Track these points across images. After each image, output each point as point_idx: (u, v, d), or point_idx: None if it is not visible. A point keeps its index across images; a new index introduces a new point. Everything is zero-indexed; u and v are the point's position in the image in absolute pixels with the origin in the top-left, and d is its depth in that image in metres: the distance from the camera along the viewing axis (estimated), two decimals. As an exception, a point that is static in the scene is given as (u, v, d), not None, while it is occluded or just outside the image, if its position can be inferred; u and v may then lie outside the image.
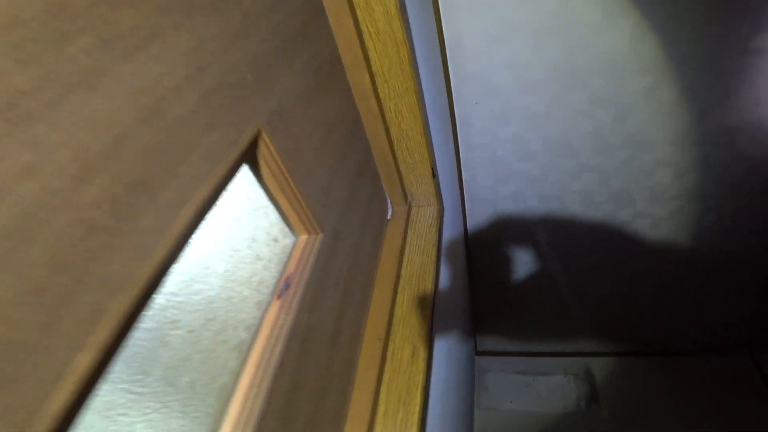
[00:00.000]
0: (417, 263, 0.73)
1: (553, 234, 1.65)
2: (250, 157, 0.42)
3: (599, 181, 1.50)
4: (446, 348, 1.00)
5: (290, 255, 0.49)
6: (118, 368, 0.29)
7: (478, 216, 1.64)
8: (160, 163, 0.30)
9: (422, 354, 0.61)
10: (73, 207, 0.24)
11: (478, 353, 2.12)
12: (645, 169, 1.46)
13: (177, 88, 0.32)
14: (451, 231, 1.27)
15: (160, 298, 0.32)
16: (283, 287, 0.46)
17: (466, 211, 1.63)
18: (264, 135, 0.42)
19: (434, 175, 0.79)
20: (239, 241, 0.41)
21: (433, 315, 0.66)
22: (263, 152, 0.43)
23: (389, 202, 0.80)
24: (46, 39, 0.24)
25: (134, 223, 0.28)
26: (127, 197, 0.27)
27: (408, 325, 0.64)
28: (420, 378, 0.60)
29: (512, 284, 1.85)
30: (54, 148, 0.24)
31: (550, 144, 1.42)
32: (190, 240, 0.33)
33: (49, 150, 0.23)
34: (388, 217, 0.79)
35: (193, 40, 0.35)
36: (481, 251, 1.75)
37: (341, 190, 0.60)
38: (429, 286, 0.69)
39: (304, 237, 0.52)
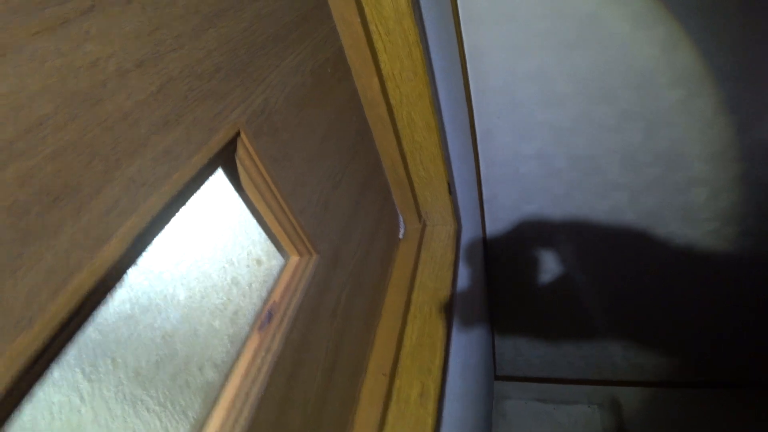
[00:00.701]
0: (430, 289, 0.65)
1: (578, 255, 1.55)
2: (225, 162, 0.36)
3: (628, 200, 1.41)
4: (462, 382, 0.92)
5: (276, 279, 0.42)
6: None
7: (499, 236, 1.56)
8: (90, 165, 0.23)
9: (432, 393, 0.52)
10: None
11: (497, 378, 2.01)
12: (678, 188, 1.36)
13: (123, 74, 0.26)
14: (469, 251, 1.19)
15: (93, 333, 0.25)
16: (265, 318, 0.39)
17: (486, 231, 1.54)
18: (243, 137, 0.36)
19: (451, 190, 0.71)
20: (210, 263, 0.35)
21: (448, 349, 0.58)
22: (243, 157, 0.36)
23: (401, 219, 0.73)
24: None
25: (46, 240, 0.21)
26: (36, 206, 0.21)
27: (417, 359, 0.56)
28: (429, 421, 0.51)
29: (534, 307, 1.75)
30: None
31: (576, 161, 1.34)
32: (134, 261, 0.26)
33: None
34: (400, 237, 0.72)
35: (150, 18, 0.28)
36: (502, 272, 1.66)
37: (342, 205, 0.53)
38: (442, 316, 0.61)
39: (294, 259, 0.45)
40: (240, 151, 0.36)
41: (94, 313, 0.24)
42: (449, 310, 0.62)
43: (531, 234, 1.48)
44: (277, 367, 0.38)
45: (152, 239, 0.27)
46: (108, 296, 0.25)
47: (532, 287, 1.66)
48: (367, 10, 0.58)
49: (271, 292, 0.41)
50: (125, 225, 0.25)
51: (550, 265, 1.59)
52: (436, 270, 0.68)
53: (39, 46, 0.22)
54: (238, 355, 0.37)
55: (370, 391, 0.52)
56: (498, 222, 1.47)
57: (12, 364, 0.20)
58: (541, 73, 1.17)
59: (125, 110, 0.26)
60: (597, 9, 1.05)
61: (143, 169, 0.27)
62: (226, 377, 0.35)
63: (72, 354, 0.25)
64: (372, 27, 0.60)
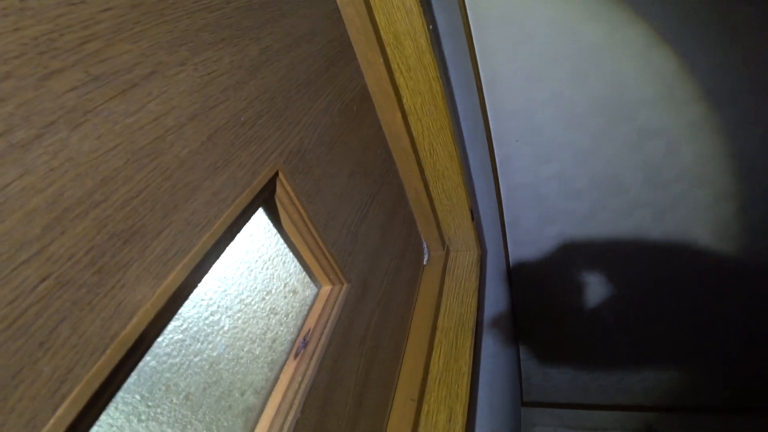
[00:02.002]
0: (455, 314, 0.66)
1: (604, 276, 1.54)
2: (266, 201, 0.39)
3: (653, 218, 1.40)
4: (488, 408, 0.91)
5: (310, 308, 0.45)
6: (94, 447, 0.25)
7: (522, 259, 1.55)
8: (153, 210, 0.27)
9: (460, 419, 0.53)
10: (41, 260, 0.21)
11: (525, 404, 1.97)
12: (704, 204, 1.35)
13: (179, 127, 0.29)
14: (493, 276, 1.20)
15: (150, 360, 0.28)
16: (300, 345, 0.41)
17: (509, 255, 1.55)
18: (282, 176, 0.39)
19: (473, 217, 0.73)
20: (251, 294, 0.37)
21: (474, 373, 0.60)
22: (281, 196, 0.39)
23: (425, 246, 0.75)
24: (26, 75, 0.21)
25: (117, 277, 0.24)
26: (110, 248, 0.24)
27: (445, 385, 0.57)
28: (458, 447, 0.52)
29: (561, 330, 1.72)
30: (23, 194, 0.21)
31: (597, 180, 1.34)
32: (188, 295, 0.29)
33: (17, 196, 0.20)
34: (424, 263, 0.74)
35: (201, 76, 0.32)
36: (527, 295, 1.65)
37: (370, 236, 0.55)
38: (468, 341, 0.62)
39: (327, 288, 0.47)
40: (279, 190, 0.39)
41: (154, 342, 0.27)
42: (474, 335, 0.64)
43: (555, 256, 1.48)
44: (312, 392, 0.40)
45: (204, 275, 0.30)
46: (166, 326, 0.28)
47: (558, 310, 1.64)
48: (389, 49, 0.62)
49: (305, 319, 0.44)
50: (181, 263, 0.28)
51: (575, 287, 1.57)
52: (461, 295, 0.69)
53: (113, 110, 0.26)
54: (276, 380, 0.39)
55: (398, 416, 0.54)
56: (521, 245, 1.48)
57: (88, 388, 0.23)
58: (558, 96, 1.19)
59: (181, 159, 0.29)
60: (610, 31, 1.07)
61: (196, 211, 0.30)
62: (265, 401, 0.38)
63: (132, 380, 0.28)
64: (394, 65, 0.63)
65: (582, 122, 1.22)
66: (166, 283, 0.27)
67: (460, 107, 0.85)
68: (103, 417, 0.26)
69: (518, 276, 1.57)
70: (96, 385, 0.23)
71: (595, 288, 1.55)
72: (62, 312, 0.21)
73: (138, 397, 0.28)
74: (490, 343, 1.01)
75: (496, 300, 1.21)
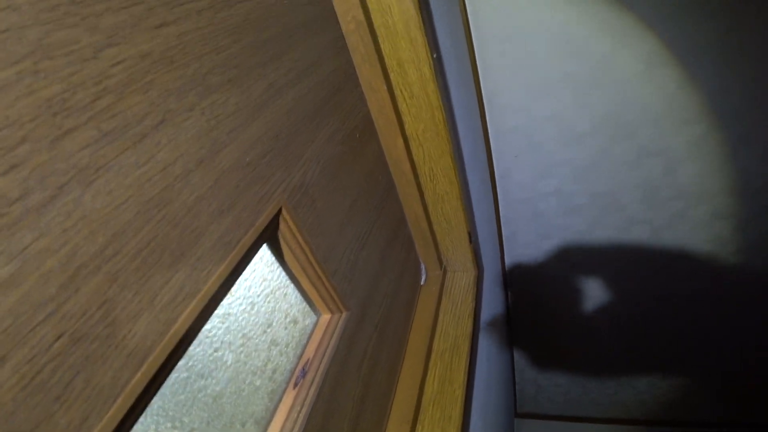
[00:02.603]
0: (451, 336, 0.68)
1: (600, 292, 1.55)
2: (270, 237, 0.40)
3: (650, 236, 1.41)
4: (481, 423, 0.93)
5: (310, 336, 0.46)
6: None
7: (520, 273, 1.57)
8: (161, 260, 0.28)
9: (454, 442, 0.55)
10: (57, 319, 0.22)
11: (518, 415, 1.98)
12: (701, 223, 1.36)
13: (186, 174, 0.31)
14: (489, 290, 1.21)
15: (157, 400, 0.29)
16: (300, 374, 0.42)
17: (506, 269, 1.56)
18: (285, 212, 0.40)
19: (471, 239, 0.75)
20: (254, 328, 0.38)
21: (467, 395, 0.61)
22: (284, 231, 0.41)
23: (423, 266, 0.76)
24: (40, 137, 0.23)
25: (127, 328, 0.25)
26: (121, 301, 0.25)
27: (439, 406, 0.58)
28: (451, 469, 0.54)
29: (556, 343, 1.74)
30: (39, 256, 0.22)
31: (596, 198, 1.35)
32: (195, 337, 0.30)
33: (34, 259, 0.22)
34: (422, 283, 0.75)
35: (208, 120, 0.33)
36: (522, 309, 1.66)
37: (370, 262, 0.57)
38: (463, 363, 0.63)
39: (326, 317, 0.48)
40: (282, 226, 0.40)
41: (163, 384, 0.28)
42: (469, 356, 0.65)
43: (551, 271, 1.49)
44: (310, 420, 0.41)
45: (210, 315, 0.31)
46: (173, 368, 0.29)
47: (554, 323, 1.65)
48: (392, 76, 0.63)
49: (305, 348, 0.45)
50: (189, 308, 0.29)
51: (571, 302, 1.59)
52: (457, 317, 0.70)
53: (124, 163, 0.27)
54: (276, 410, 0.40)
55: (394, 438, 0.55)
56: (518, 259, 1.49)
57: (114, 418, 0.24)
58: (559, 113, 1.21)
59: (188, 206, 0.30)
60: (611, 49, 1.08)
61: (203, 257, 0.31)
62: (264, 431, 0.39)
63: (141, 420, 0.29)
64: (397, 92, 0.64)
65: (582, 140, 1.23)
66: (174, 329, 0.28)
67: (460, 126, 0.87)
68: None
69: (515, 290, 1.58)
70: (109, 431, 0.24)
71: (591, 303, 1.56)
72: (76, 367, 0.23)
73: (144, 434, 0.29)
74: (485, 357, 1.03)
75: (491, 314, 1.22)
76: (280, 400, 0.41)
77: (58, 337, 0.22)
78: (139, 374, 0.26)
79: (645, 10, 1.01)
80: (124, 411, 0.25)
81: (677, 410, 1.88)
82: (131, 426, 0.26)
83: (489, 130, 1.30)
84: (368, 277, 0.56)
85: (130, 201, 0.27)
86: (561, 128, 1.25)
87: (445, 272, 0.78)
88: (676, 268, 1.42)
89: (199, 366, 0.33)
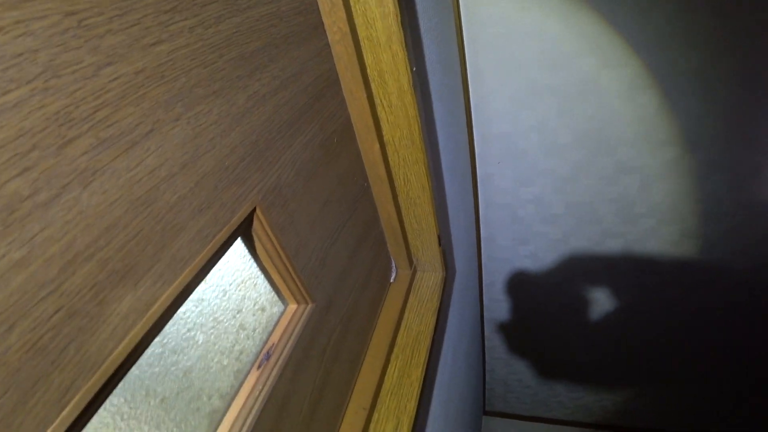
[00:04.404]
0: (414, 331, 0.73)
1: (571, 299, 1.61)
2: (243, 233, 0.45)
3: (623, 249, 1.47)
4: (443, 417, 0.98)
5: (276, 324, 0.51)
6: (85, 439, 0.31)
7: (495, 275, 1.63)
8: (145, 250, 0.33)
9: (406, 428, 0.60)
10: (56, 296, 0.27)
11: (486, 413, 2.05)
12: (671, 240, 1.42)
13: (171, 177, 0.35)
14: (464, 291, 1.26)
15: (134, 370, 0.34)
16: (264, 357, 0.47)
17: (483, 269, 1.62)
18: (258, 212, 0.45)
19: (440, 242, 0.80)
20: (224, 313, 0.43)
21: (423, 388, 0.66)
22: (257, 228, 0.45)
23: (393, 264, 0.82)
24: (48, 145, 0.27)
25: (113, 306, 0.30)
26: (109, 284, 0.30)
27: (395, 397, 0.64)
28: (402, 452, 0.59)
29: (527, 345, 1.80)
30: (44, 244, 0.27)
31: (573, 208, 1.41)
32: (171, 317, 0.35)
33: (40, 246, 0.26)
34: (392, 280, 0.80)
35: (193, 128, 0.38)
36: (496, 310, 1.72)
37: (339, 258, 0.62)
38: (423, 357, 0.68)
39: (292, 306, 0.53)
40: (255, 224, 0.45)
41: (140, 357, 0.33)
42: (430, 352, 0.70)
43: (526, 275, 1.55)
44: (270, 399, 0.46)
45: (185, 299, 0.36)
46: (150, 343, 0.34)
47: (525, 326, 1.72)
48: (373, 85, 0.68)
49: (270, 334, 0.50)
50: (166, 292, 0.34)
51: (543, 307, 1.65)
52: (422, 314, 0.76)
53: (117, 167, 0.31)
54: (240, 387, 0.45)
55: (350, 423, 0.60)
56: (495, 261, 1.55)
57: (86, 395, 0.29)
58: (543, 124, 1.26)
59: (171, 204, 0.35)
60: (597, 68, 1.14)
61: (182, 248, 0.36)
62: (229, 405, 0.44)
63: (119, 386, 0.34)
64: (377, 100, 0.69)
65: (563, 152, 1.29)
66: (152, 310, 0.33)
67: (441, 133, 0.91)
68: (94, 417, 0.32)
69: (489, 291, 1.64)
70: (93, 392, 0.29)
71: (563, 310, 1.62)
72: (70, 336, 0.27)
73: (122, 399, 0.34)
74: (450, 354, 1.08)
75: (462, 314, 1.28)
76: (244, 379, 0.46)
77: (56, 311, 0.27)
78: (120, 346, 0.31)
79: (632, 34, 1.06)
80: (107, 377, 0.30)
81: (638, 418, 1.96)
82: (111, 390, 0.31)
83: (474, 135, 1.35)
84: (337, 272, 0.61)
85: (121, 199, 0.31)
86: (544, 138, 1.30)
87: (414, 271, 0.84)
88: (646, 282, 1.49)
89: (173, 343, 0.38)
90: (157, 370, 0.36)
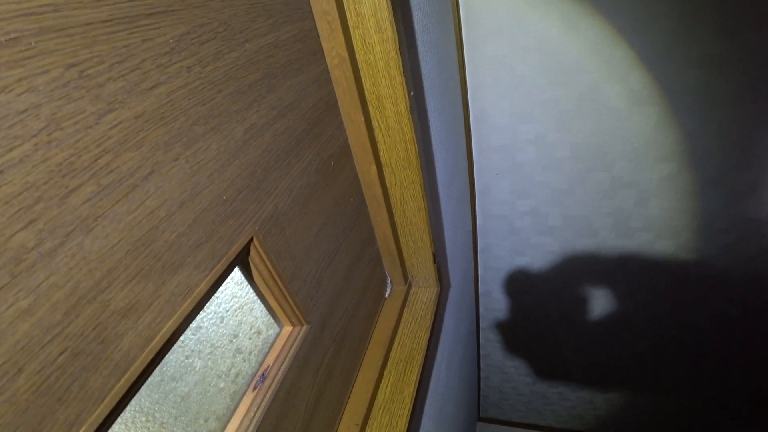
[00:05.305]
0: (407, 347, 0.75)
1: (567, 308, 1.63)
2: (241, 263, 0.46)
3: (618, 262, 1.49)
4: (434, 428, 1.00)
5: (271, 346, 0.53)
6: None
7: (491, 284, 1.64)
8: (145, 288, 0.35)
9: (397, 445, 0.62)
10: (61, 339, 0.29)
11: (481, 419, 2.07)
12: (666, 254, 1.44)
13: (170, 216, 0.37)
14: (459, 301, 1.28)
15: (134, 399, 0.36)
16: (259, 379, 0.49)
17: (479, 279, 1.63)
18: (255, 241, 0.47)
19: (435, 260, 0.82)
20: (221, 338, 0.45)
21: (415, 404, 0.68)
22: (253, 257, 0.47)
23: (389, 280, 0.83)
24: (52, 196, 0.29)
25: (115, 344, 0.32)
26: (111, 323, 0.32)
27: (387, 413, 0.66)
28: (393, 467, 0.61)
29: (521, 354, 1.82)
30: (49, 291, 0.28)
31: (569, 221, 1.43)
32: (170, 348, 0.37)
33: (45, 293, 0.28)
34: (386, 296, 0.82)
35: (191, 167, 0.40)
36: (492, 319, 1.74)
37: (334, 279, 0.63)
38: (415, 374, 0.70)
39: (288, 328, 0.55)
40: (252, 252, 0.47)
41: (141, 387, 0.35)
42: (422, 368, 0.72)
43: (522, 285, 1.57)
44: (265, 419, 0.48)
45: (185, 330, 0.38)
46: (151, 374, 0.36)
47: (520, 335, 1.74)
48: (371, 109, 0.70)
49: (266, 356, 0.52)
50: (166, 326, 0.36)
51: (538, 316, 1.67)
52: (415, 330, 0.78)
53: (118, 211, 0.33)
54: (236, 409, 0.47)
55: (343, 437, 0.62)
56: (491, 271, 1.56)
57: (90, 428, 0.31)
58: (542, 138, 1.27)
59: (170, 243, 0.37)
60: (596, 84, 1.15)
61: (180, 283, 0.38)
62: (224, 427, 0.46)
63: (121, 414, 0.36)
64: (374, 122, 0.71)
65: (561, 165, 1.30)
66: (152, 345, 0.35)
67: (438, 150, 0.93)
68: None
69: (485, 300, 1.66)
70: (96, 424, 0.31)
71: (557, 319, 1.64)
72: (74, 375, 0.29)
73: (123, 427, 0.36)
74: (443, 367, 1.10)
75: (459, 323, 1.29)
76: (239, 401, 0.48)
77: (61, 353, 0.29)
78: (122, 380, 0.33)
79: (631, 51, 1.07)
80: (110, 408, 0.32)
81: (630, 426, 1.97)
82: (114, 420, 0.33)
83: (473, 148, 1.36)
84: (331, 293, 0.63)
85: (122, 242, 0.33)
86: (542, 152, 1.31)
87: (410, 287, 0.85)
88: (641, 294, 1.50)
89: (172, 370, 0.40)
90: (156, 396, 0.38)
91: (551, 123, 1.27)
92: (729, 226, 1.28)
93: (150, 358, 0.35)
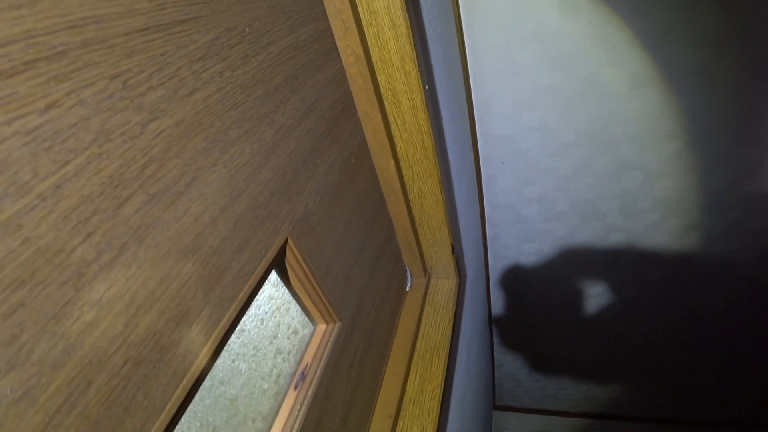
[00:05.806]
0: (432, 339, 0.76)
1: (576, 294, 1.64)
2: (278, 265, 0.47)
3: (627, 244, 1.49)
4: (459, 416, 1.01)
5: (308, 345, 0.53)
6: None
7: (501, 272, 1.65)
8: (195, 295, 0.35)
9: (431, 435, 0.63)
10: (124, 349, 0.29)
11: (496, 407, 2.09)
12: (675, 234, 1.45)
13: (213, 222, 0.37)
14: (472, 292, 1.29)
15: (190, 406, 0.37)
16: (299, 378, 0.50)
17: (489, 268, 1.64)
18: (290, 242, 0.47)
19: (454, 251, 0.82)
20: (262, 341, 0.46)
21: (445, 393, 0.69)
22: (289, 258, 0.48)
23: (409, 273, 0.84)
24: (106, 208, 0.29)
25: (172, 351, 0.33)
26: (167, 331, 0.32)
27: (418, 404, 0.67)
28: (428, 457, 0.62)
29: (534, 340, 1.83)
30: (111, 302, 0.29)
31: (576, 206, 1.43)
32: (220, 352, 0.38)
33: (107, 305, 0.28)
34: (407, 289, 0.83)
35: (229, 171, 0.40)
36: (504, 307, 1.75)
37: (361, 275, 0.64)
38: (442, 364, 0.71)
39: (321, 327, 0.56)
40: (287, 254, 0.47)
41: (197, 392, 0.36)
42: (447, 358, 0.73)
43: (532, 272, 1.58)
44: (308, 416, 0.49)
45: (232, 333, 0.39)
46: (204, 379, 0.36)
47: (532, 321, 1.75)
48: (387, 105, 0.70)
49: (303, 355, 0.52)
50: (216, 331, 0.36)
51: (549, 302, 1.68)
52: (438, 321, 0.78)
53: (166, 219, 0.33)
54: (279, 408, 0.48)
55: (378, 429, 0.63)
56: (501, 260, 1.57)
57: (164, 422, 0.31)
58: (545, 125, 1.28)
59: (215, 248, 0.37)
60: (598, 68, 1.15)
61: (227, 288, 0.38)
62: (270, 426, 0.46)
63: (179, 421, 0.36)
64: (391, 118, 0.71)
65: (565, 151, 1.31)
66: (205, 349, 0.35)
67: (449, 141, 0.93)
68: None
69: (496, 289, 1.67)
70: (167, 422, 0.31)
71: (568, 305, 1.65)
72: (138, 384, 0.30)
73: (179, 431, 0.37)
74: (464, 356, 1.11)
75: (474, 312, 1.30)
76: (282, 400, 0.48)
77: (125, 363, 0.29)
78: (180, 387, 0.33)
79: (632, 32, 1.07)
80: (171, 416, 0.32)
81: (643, 407, 1.99)
82: (174, 427, 0.33)
83: (478, 138, 1.36)
84: (359, 289, 0.63)
85: (172, 250, 0.33)
86: (546, 138, 1.32)
87: (429, 279, 0.86)
88: (650, 275, 1.52)
89: (221, 375, 0.40)
90: (208, 402, 0.39)
91: (554, 109, 1.27)
92: (736, 202, 1.29)
93: (204, 363, 0.35)
